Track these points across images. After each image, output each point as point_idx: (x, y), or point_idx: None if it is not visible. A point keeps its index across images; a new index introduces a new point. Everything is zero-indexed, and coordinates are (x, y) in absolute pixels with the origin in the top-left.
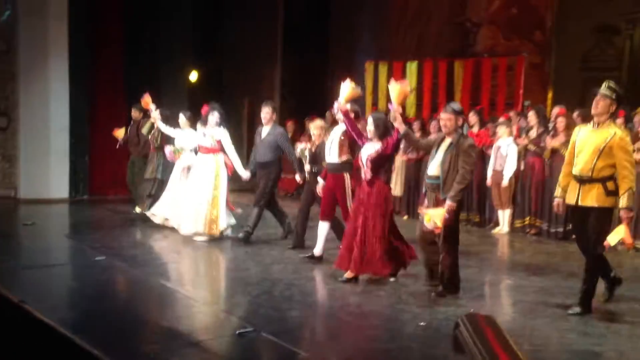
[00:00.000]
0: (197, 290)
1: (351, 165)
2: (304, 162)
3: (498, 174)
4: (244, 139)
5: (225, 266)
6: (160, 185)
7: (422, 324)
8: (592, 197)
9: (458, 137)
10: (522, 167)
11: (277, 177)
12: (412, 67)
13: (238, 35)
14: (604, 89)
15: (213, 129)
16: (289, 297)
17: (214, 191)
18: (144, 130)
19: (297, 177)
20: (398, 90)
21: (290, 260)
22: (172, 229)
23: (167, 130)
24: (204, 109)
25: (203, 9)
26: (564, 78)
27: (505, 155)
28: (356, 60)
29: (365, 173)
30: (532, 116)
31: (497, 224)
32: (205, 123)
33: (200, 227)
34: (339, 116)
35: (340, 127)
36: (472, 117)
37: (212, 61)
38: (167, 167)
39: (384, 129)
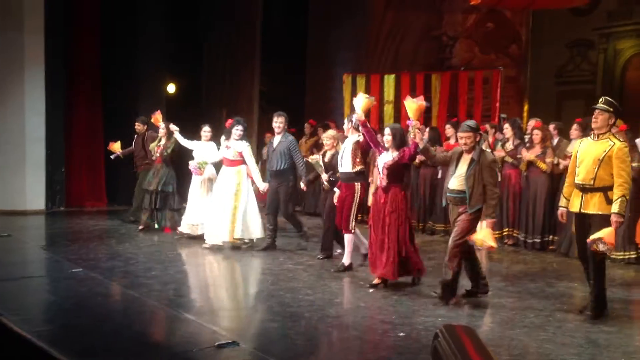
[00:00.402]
0: (176, 302)
1: (364, 175)
2: (320, 172)
3: None
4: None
5: (206, 277)
6: (168, 198)
7: (401, 334)
8: (594, 205)
9: (479, 153)
10: (498, 179)
11: (294, 183)
12: (389, 80)
13: (217, 47)
14: (601, 103)
15: (235, 142)
16: (269, 309)
17: (234, 202)
18: (152, 146)
19: (302, 185)
20: (414, 107)
21: (269, 272)
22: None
23: (186, 143)
24: (228, 122)
25: (181, 20)
26: (539, 91)
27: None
28: (334, 72)
29: (382, 180)
30: (507, 128)
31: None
32: (228, 136)
33: (225, 237)
34: (347, 126)
35: (352, 138)
36: (449, 129)
37: (191, 73)
38: (172, 179)
39: (400, 139)
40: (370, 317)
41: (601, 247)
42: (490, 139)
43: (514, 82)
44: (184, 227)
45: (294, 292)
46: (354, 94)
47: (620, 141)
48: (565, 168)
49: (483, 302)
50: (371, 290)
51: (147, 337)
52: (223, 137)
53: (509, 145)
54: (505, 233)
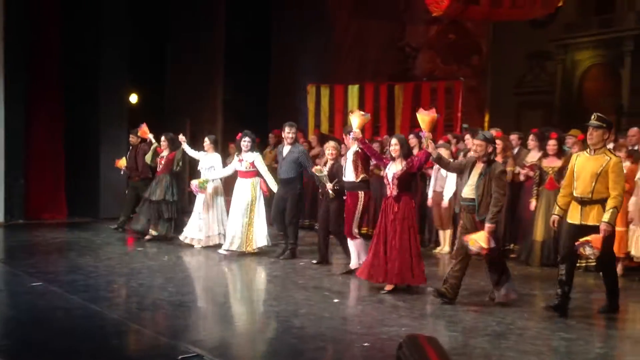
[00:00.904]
0: (139, 316)
1: (368, 184)
2: (324, 181)
3: (438, 195)
4: (186, 161)
5: (169, 290)
6: (173, 207)
7: (366, 344)
8: (593, 217)
9: (490, 164)
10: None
11: (301, 192)
12: (353, 90)
13: (179, 57)
14: (594, 121)
15: (246, 154)
16: (231, 320)
17: (250, 213)
18: (147, 158)
19: (330, 192)
20: (427, 120)
21: (234, 283)
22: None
23: (193, 153)
24: (239, 136)
25: (144, 30)
26: (499, 101)
27: (445, 177)
28: (298, 82)
29: (392, 190)
30: (469, 139)
31: (437, 243)
32: (239, 149)
33: (237, 246)
34: (348, 139)
35: (352, 149)
36: (412, 139)
37: (154, 82)
38: (175, 189)
39: (407, 149)
40: (335, 327)
41: (587, 251)
42: (453, 149)
43: (475, 92)
44: (184, 237)
45: (259, 303)
46: (317, 104)
47: (616, 156)
48: (526, 177)
49: (446, 311)
50: (384, 293)
51: (107, 351)
52: (236, 153)
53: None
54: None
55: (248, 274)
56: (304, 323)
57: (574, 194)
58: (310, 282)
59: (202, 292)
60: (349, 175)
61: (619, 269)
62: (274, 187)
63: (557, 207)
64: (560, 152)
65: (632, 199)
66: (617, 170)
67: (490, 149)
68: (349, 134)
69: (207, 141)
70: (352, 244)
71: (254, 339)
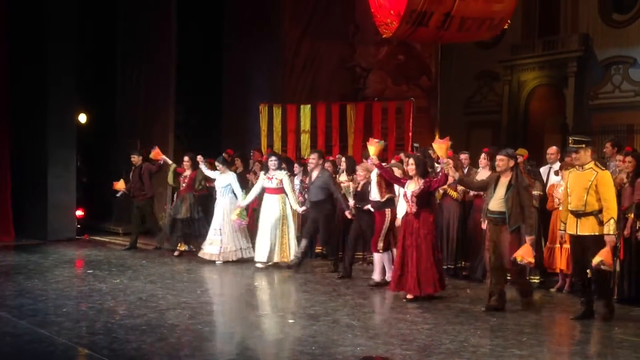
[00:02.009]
0: (89, 340)
1: (393, 202)
2: (347, 198)
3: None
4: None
5: (120, 313)
6: (199, 223)
7: None
8: (588, 228)
9: (515, 177)
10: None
11: (331, 212)
12: (305, 110)
13: (130, 76)
14: (574, 144)
15: (275, 172)
16: (187, 344)
17: (282, 227)
18: (170, 179)
19: (347, 214)
20: (443, 147)
21: (187, 306)
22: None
23: (209, 173)
24: (265, 158)
25: (93, 49)
26: (449, 121)
27: (397, 196)
28: (250, 101)
29: (411, 207)
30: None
31: None
32: (267, 169)
33: (275, 257)
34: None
35: (376, 171)
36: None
37: (103, 102)
38: (199, 207)
39: (423, 168)
40: (290, 348)
41: (603, 267)
42: (406, 167)
43: (425, 112)
44: (202, 253)
45: (213, 325)
46: (270, 123)
47: (602, 169)
48: (475, 195)
49: (400, 330)
50: (407, 302)
51: None
52: (262, 172)
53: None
54: None
55: (200, 297)
56: (258, 344)
57: (569, 208)
58: (265, 303)
59: (153, 318)
60: (375, 195)
61: (567, 285)
62: (297, 207)
63: (562, 224)
64: None
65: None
66: (606, 182)
67: (512, 164)
68: (367, 160)
69: (219, 163)
70: (376, 257)
71: None
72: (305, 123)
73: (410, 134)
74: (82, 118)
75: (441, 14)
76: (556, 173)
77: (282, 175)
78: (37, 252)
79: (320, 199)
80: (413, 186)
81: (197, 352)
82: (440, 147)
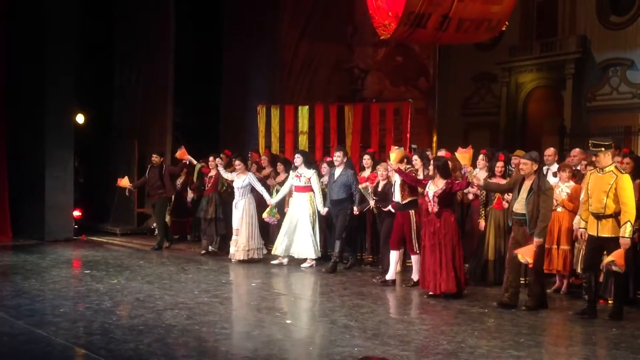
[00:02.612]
0: (86, 340)
1: (416, 203)
2: (368, 198)
3: None
4: (134, 180)
5: (117, 313)
6: (222, 223)
7: None
8: (608, 229)
9: (538, 181)
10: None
11: (352, 211)
12: (303, 111)
13: (128, 77)
14: (593, 147)
15: (303, 170)
16: (185, 344)
17: (313, 223)
18: (196, 180)
19: (355, 209)
20: (467, 156)
21: (184, 306)
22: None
23: (226, 175)
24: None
25: (91, 49)
26: (447, 122)
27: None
28: (248, 102)
29: (433, 207)
30: (416, 160)
31: None
32: (295, 167)
33: (313, 254)
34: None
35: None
36: (367, 160)
37: (101, 103)
38: (223, 205)
39: (444, 170)
40: (288, 349)
41: (614, 268)
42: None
43: (423, 113)
44: (235, 254)
45: (210, 326)
46: (268, 124)
47: (622, 173)
48: (474, 196)
49: (397, 331)
50: (427, 297)
51: None
52: (291, 170)
53: (419, 176)
54: None
55: (198, 298)
56: (256, 345)
57: (590, 209)
58: (263, 303)
59: (149, 318)
60: (397, 196)
61: (564, 286)
62: (321, 207)
63: (582, 222)
64: (506, 173)
65: (577, 218)
66: (625, 186)
67: (535, 167)
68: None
69: (237, 164)
70: (413, 259)
71: None
72: (303, 124)
73: (408, 135)
74: (80, 118)
75: (439, 16)
76: (554, 174)
77: (311, 173)
78: (34, 252)
79: (341, 197)
80: (434, 187)
81: (194, 352)
82: (463, 156)
